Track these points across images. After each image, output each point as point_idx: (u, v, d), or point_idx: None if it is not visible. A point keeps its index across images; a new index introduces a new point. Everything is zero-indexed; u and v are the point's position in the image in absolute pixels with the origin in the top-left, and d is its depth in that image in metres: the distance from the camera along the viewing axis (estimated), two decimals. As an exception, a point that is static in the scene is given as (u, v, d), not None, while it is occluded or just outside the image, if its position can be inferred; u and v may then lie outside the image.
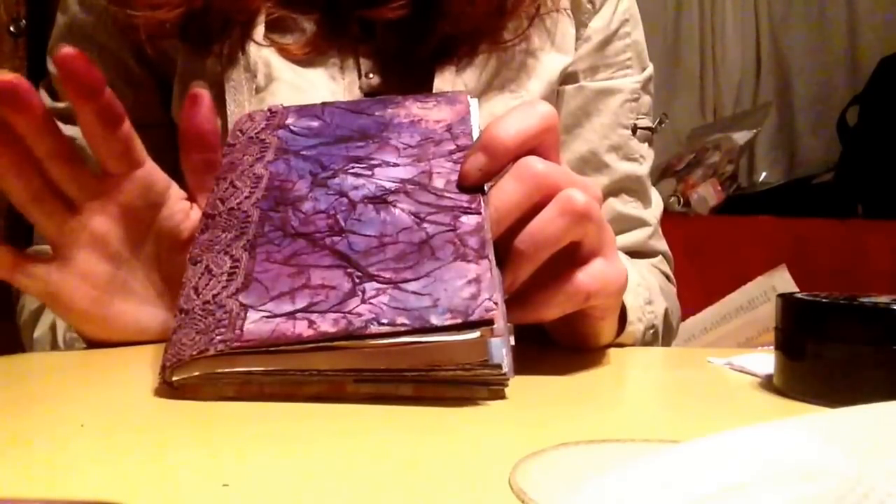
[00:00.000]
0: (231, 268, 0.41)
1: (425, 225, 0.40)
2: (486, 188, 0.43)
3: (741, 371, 0.46)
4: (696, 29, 2.42)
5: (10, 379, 0.44)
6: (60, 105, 0.64)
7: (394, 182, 0.43)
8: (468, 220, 0.40)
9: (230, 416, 0.35)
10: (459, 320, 0.35)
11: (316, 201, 0.43)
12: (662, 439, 0.30)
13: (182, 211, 0.50)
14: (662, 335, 0.64)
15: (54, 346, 0.61)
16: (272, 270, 0.40)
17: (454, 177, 0.43)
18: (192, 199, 0.51)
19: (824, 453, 0.22)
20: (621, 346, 0.56)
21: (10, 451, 0.29)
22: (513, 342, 0.40)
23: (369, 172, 0.44)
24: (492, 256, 0.39)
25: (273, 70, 0.60)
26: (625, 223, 0.69)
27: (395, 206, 0.42)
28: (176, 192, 0.51)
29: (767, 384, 0.43)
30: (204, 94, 0.49)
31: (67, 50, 0.43)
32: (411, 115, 0.48)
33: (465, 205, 0.41)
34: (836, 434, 0.23)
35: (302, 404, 0.36)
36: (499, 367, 0.37)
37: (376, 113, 0.49)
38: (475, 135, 0.46)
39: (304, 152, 0.46)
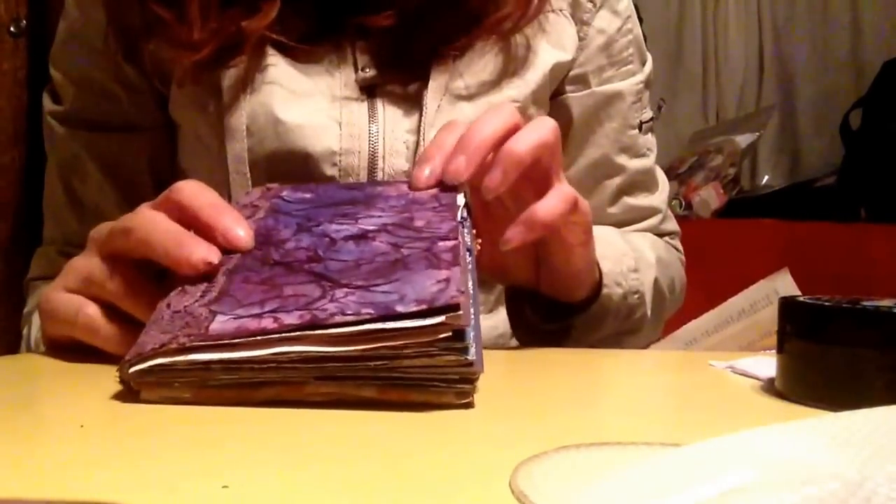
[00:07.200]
0: (207, 287, 0.41)
1: (403, 250, 0.41)
2: (463, 216, 0.46)
3: (743, 374, 0.46)
4: (698, 31, 2.42)
5: (10, 379, 0.44)
6: (60, 108, 0.67)
7: (376, 225, 0.45)
8: (444, 244, 0.41)
9: (230, 419, 0.35)
10: (424, 307, 0.35)
11: (299, 241, 0.44)
12: (664, 443, 0.30)
13: None
14: (654, 302, 0.67)
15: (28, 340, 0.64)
16: (247, 289, 0.40)
17: (436, 218, 0.45)
18: None
19: (827, 457, 0.22)
20: (605, 311, 0.59)
21: (11, 451, 0.29)
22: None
23: (353, 221, 0.46)
24: (464, 265, 0.40)
25: (269, 62, 0.61)
26: (637, 214, 0.73)
27: (374, 240, 0.43)
28: None
29: (769, 388, 0.43)
30: None
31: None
32: (401, 191, 0.50)
33: (443, 234, 0.42)
34: (839, 438, 0.23)
35: (301, 408, 0.36)
36: (465, 349, 0.36)
37: (367, 189, 0.51)
38: (459, 216, 0.47)
39: (294, 212, 0.48)
